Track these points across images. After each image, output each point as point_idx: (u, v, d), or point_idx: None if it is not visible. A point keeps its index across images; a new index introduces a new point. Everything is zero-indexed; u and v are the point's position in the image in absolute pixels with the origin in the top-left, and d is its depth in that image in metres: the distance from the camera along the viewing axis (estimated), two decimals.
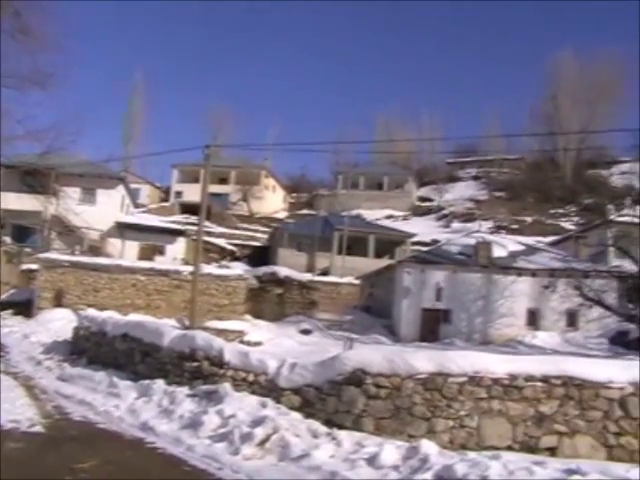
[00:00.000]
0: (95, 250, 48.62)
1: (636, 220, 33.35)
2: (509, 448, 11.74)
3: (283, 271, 47.41)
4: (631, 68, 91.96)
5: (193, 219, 57.22)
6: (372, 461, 10.27)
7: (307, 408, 12.68)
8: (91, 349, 21.39)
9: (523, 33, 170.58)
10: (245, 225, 74.24)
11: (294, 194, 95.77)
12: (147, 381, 15.48)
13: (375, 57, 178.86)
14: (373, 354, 12.85)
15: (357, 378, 12.29)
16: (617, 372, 12.54)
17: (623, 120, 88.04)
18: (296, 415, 12.36)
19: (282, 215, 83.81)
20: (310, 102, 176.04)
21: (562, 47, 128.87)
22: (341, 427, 11.94)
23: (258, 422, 11.54)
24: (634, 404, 12.19)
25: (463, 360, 12.29)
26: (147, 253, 51.42)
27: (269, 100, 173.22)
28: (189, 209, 67.90)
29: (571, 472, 9.81)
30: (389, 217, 79.14)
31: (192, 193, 69.30)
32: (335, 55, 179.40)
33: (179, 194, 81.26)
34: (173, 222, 61.40)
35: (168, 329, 17.59)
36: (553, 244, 51.39)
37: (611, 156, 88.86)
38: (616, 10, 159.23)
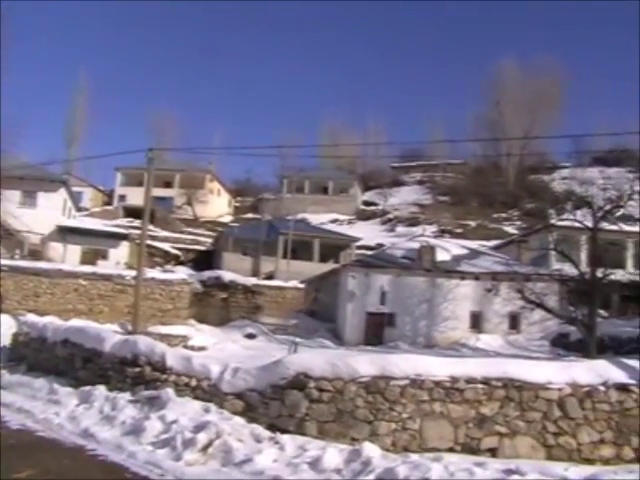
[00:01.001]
0: (36, 254, 47.65)
1: (576, 224, 33.93)
2: (451, 450, 11.89)
3: (228, 275, 47.17)
4: (571, 76, 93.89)
5: (137, 223, 56.62)
6: (315, 465, 10.31)
7: (250, 413, 12.66)
8: (31, 355, 20.98)
9: (467, 40, 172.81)
10: (190, 229, 73.56)
11: (239, 198, 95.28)
12: (88, 387, 15.27)
13: (321, 61, 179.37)
14: (316, 358, 12.90)
15: (300, 382, 12.31)
16: (556, 373, 12.80)
17: (564, 127, 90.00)
18: (239, 420, 12.33)
19: (227, 219, 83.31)
20: (256, 106, 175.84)
21: (505, 54, 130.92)
22: (284, 431, 11.94)
23: (201, 427, 11.48)
24: (572, 404, 12.45)
25: (405, 363, 12.41)
26: (90, 257, 50.61)
27: (214, 104, 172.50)
28: (133, 213, 67.07)
29: (510, 472, 9.99)
30: (334, 221, 79.27)
31: (136, 196, 68.38)
32: (280, 59, 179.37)
33: (123, 197, 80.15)
34: (116, 226, 60.60)
35: (110, 334, 17.39)
36: (496, 248, 52.00)
37: (552, 162, 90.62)
38: (557, 19, 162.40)
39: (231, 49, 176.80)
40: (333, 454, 10.57)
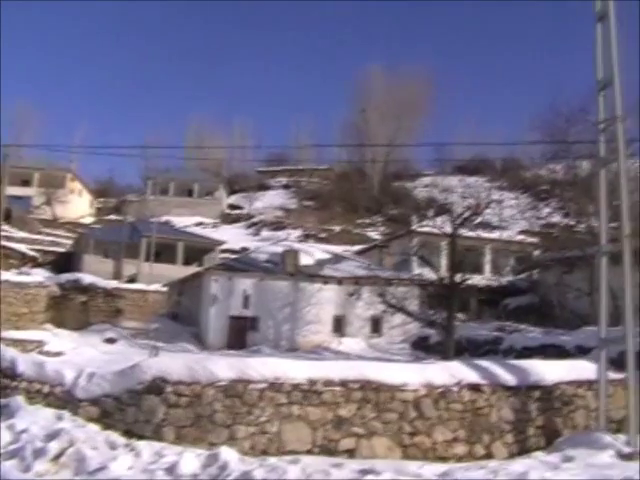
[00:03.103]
0: None
1: (436, 231, 34.97)
2: (309, 452, 11.95)
3: (87, 278, 45.77)
4: (435, 86, 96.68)
5: None
6: (171, 471, 10.12)
7: (106, 419, 12.29)
8: None
9: (334, 46, 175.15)
10: (49, 230, 70.97)
11: (101, 199, 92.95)
12: None
13: (189, 62, 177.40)
14: (174, 362, 12.70)
15: (157, 387, 12.07)
16: (412, 375, 13.12)
17: (428, 135, 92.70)
18: (94, 427, 11.93)
19: (88, 220, 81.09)
20: (119, 105, 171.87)
21: (371, 62, 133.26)
22: (141, 437, 11.67)
23: (53, 436, 11.03)
24: (427, 405, 12.80)
25: (263, 367, 12.39)
26: None
27: (76, 101, 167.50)
28: None
29: (366, 472, 10.15)
30: (199, 224, 78.58)
31: None
32: (148, 58, 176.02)
33: None
34: None
35: None
36: (359, 253, 52.95)
37: (415, 169, 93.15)
38: (421, 29, 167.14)
39: (102, 44, 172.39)
40: (190, 459, 10.41)
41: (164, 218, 74.86)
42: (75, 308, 42.86)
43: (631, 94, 22.75)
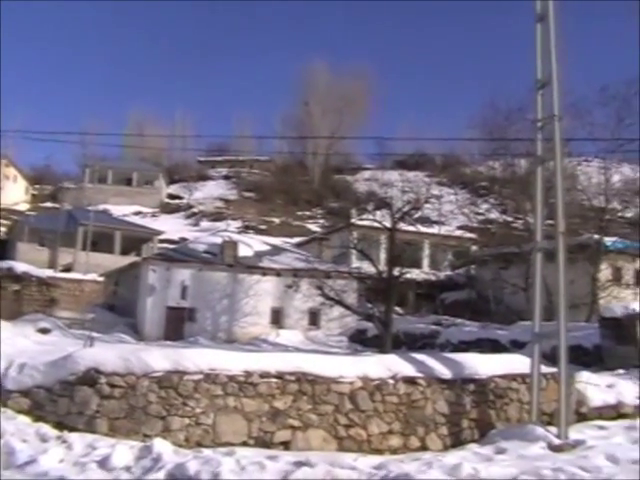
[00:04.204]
0: None
1: (376, 224, 35.13)
2: (245, 444, 11.89)
3: (21, 266, 44.92)
4: (377, 81, 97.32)
5: None
6: (103, 463, 9.97)
7: (37, 411, 12.01)
8: None
9: (278, 39, 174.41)
10: None
11: (37, 186, 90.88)
12: None
13: (130, 51, 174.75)
14: (108, 353, 12.49)
15: (91, 378, 11.85)
16: (348, 368, 13.15)
17: (369, 129, 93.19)
18: (24, 419, 11.68)
19: (23, 207, 79.21)
20: (59, 91, 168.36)
21: (314, 56, 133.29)
22: (73, 429, 11.45)
23: None
24: (363, 397, 12.85)
25: (199, 358, 12.29)
26: None
27: (13, 86, 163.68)
28: None
29: (301, 464, 10.14)
30: (137, 213, 77.59)
31: None
32: (92, 45, 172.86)
33: None
34: None
35: None
36: (299, 245, 52.91)
37: (357, 163, 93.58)
38: (364, 24, 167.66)
39: (40, 28, 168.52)
40: (123, 451, 10.27)
41: (102, 207, 73.79)
42: (7, 297, 41.95)
43: (569, 94, 23.20)
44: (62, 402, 11.94)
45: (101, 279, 47.29)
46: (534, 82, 14.59)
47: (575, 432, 12.92)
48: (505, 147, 38.87)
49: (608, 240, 36.35)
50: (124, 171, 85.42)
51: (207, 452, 10.84)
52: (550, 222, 14.77)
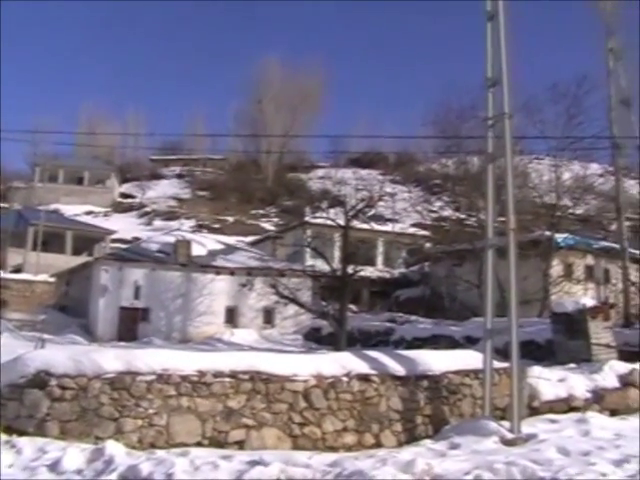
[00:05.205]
0: None
1: (329, 222, 35.20)
2: (199, 444, 11.78)
3: None
4: (331, 79, 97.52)
5: None
6: (54, 467, 9.82)
7: None
8: None
9: (231, 36, 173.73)
10: None
11: None
12: None
13: (82, 47, 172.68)
14: (58, 354, 12.26)
15: (41, 380, 11.62)
16: (302, 366, 13.14)
17: (324, 128, 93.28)
18: None
19: None
20: (6, 86, 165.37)
21: (268, 53, 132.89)
22: (23, 433, 11.22)
23: None
24: (317, 395, 12.83)
25: (152, 358, 12.16)
26: None
27: None
28: None
29: (255, 463, 10.10)
30: (89, 213, 76.76)
31: None
32: (44, 41, 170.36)
33: None
34: None
35: None
36: (253, 244, 52.82)
37: (311, 161, 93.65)
38: (319, 23, 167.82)
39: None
40: (74, 455, 10.11)
41: (53, 206, 72.91)
42: None
43: (520, 92, 23.48)
44: (11, 405, 11.68)
45: (52, 280, 46.70)
46: (484, 80, 14.73)
47: (527, 426, 13.06)
48: (458, 145, 39.25)
49: (559, 236, 36.92)
50: (75, 170, 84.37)
51: (160, 453, 10.73)
52: (502, 219, 14.92)
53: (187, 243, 40.75)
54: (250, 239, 58.08)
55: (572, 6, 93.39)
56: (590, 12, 31.19)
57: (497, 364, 14.33)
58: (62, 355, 12.15)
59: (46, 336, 31.68)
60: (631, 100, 28.62)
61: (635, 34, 29.31)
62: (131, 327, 37.41)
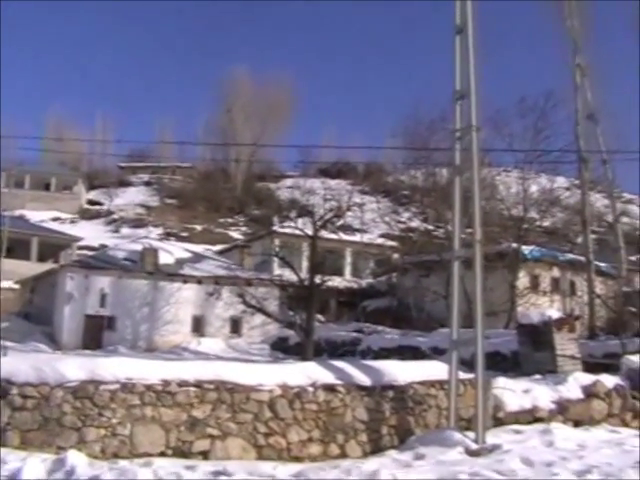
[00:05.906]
0: None
1: (297, 232, 35.21)
2: (162, 454, 11.65)
3: None
4: (300, 89, 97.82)
5: None
6: (14, 478, 9.65)
7: None
8: None
9: (201, 45, 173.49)
10: None
11: None
12: None
13: (50, 53, 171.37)
14: (21, 363, 12.07)
15: (1, 389, 11.46)
16: (267, 376, 13.07)
17: (292, 137, 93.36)
18: None
19: None
20: None
21: (237, 63, 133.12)
22: None
23: None
24: (282, 405, 12.76)
25: (116, 367, 12.02)
26: None
27: None
28: None
29: (219, 474, 10.09)
30: (56, 219, 76.10)
31: None
32: (11, 45, 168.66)
33: None
34: None
35: None
36: (220, 252, 52.64)
37: (279, 170, 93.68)
38: (288, 31, 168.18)
39: None
40: (34, 465, 9.94)
41: (18, 212, 72.03)
42: None
43: (488, 105, 23.70)
44: None
45: (16, 286, 46.23)
46: (453, 93, 14.83)
47: (492, 437, 13.12)
48: (427, 156, 39.50)
49: (526, 249, 37.25)
50: (42, 176, 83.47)
51: (123, 463, 10.63)
52: (469, 231, 15.00)
53: (154, 251, 40.55)
54: (218, 248, 57.86)
55: (540, 22, 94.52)
56: (558, 29, 31.58)
57: (462, 375, 14.36)
58: (24, 363, 11.97)
59: (9, 344, 31.24)
60: (597, 115, 29.08)
61: (601, 51, 29.78)
62: (96, 335, 37.09)
